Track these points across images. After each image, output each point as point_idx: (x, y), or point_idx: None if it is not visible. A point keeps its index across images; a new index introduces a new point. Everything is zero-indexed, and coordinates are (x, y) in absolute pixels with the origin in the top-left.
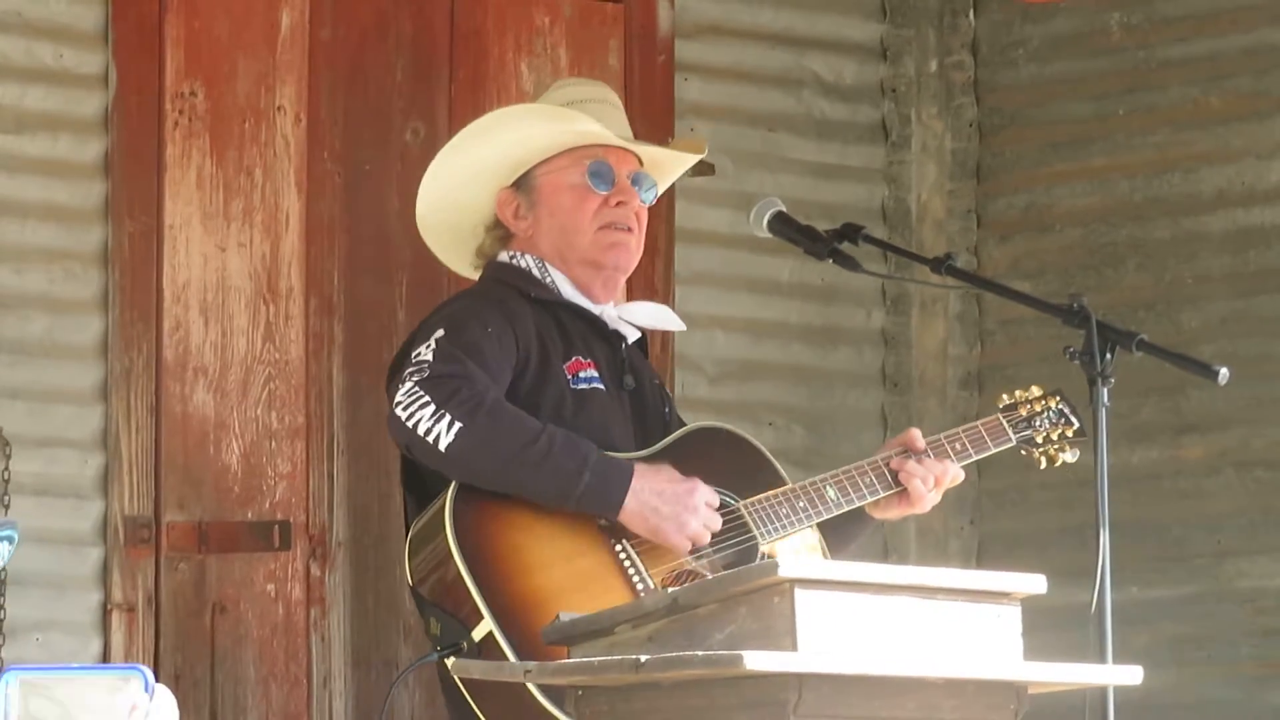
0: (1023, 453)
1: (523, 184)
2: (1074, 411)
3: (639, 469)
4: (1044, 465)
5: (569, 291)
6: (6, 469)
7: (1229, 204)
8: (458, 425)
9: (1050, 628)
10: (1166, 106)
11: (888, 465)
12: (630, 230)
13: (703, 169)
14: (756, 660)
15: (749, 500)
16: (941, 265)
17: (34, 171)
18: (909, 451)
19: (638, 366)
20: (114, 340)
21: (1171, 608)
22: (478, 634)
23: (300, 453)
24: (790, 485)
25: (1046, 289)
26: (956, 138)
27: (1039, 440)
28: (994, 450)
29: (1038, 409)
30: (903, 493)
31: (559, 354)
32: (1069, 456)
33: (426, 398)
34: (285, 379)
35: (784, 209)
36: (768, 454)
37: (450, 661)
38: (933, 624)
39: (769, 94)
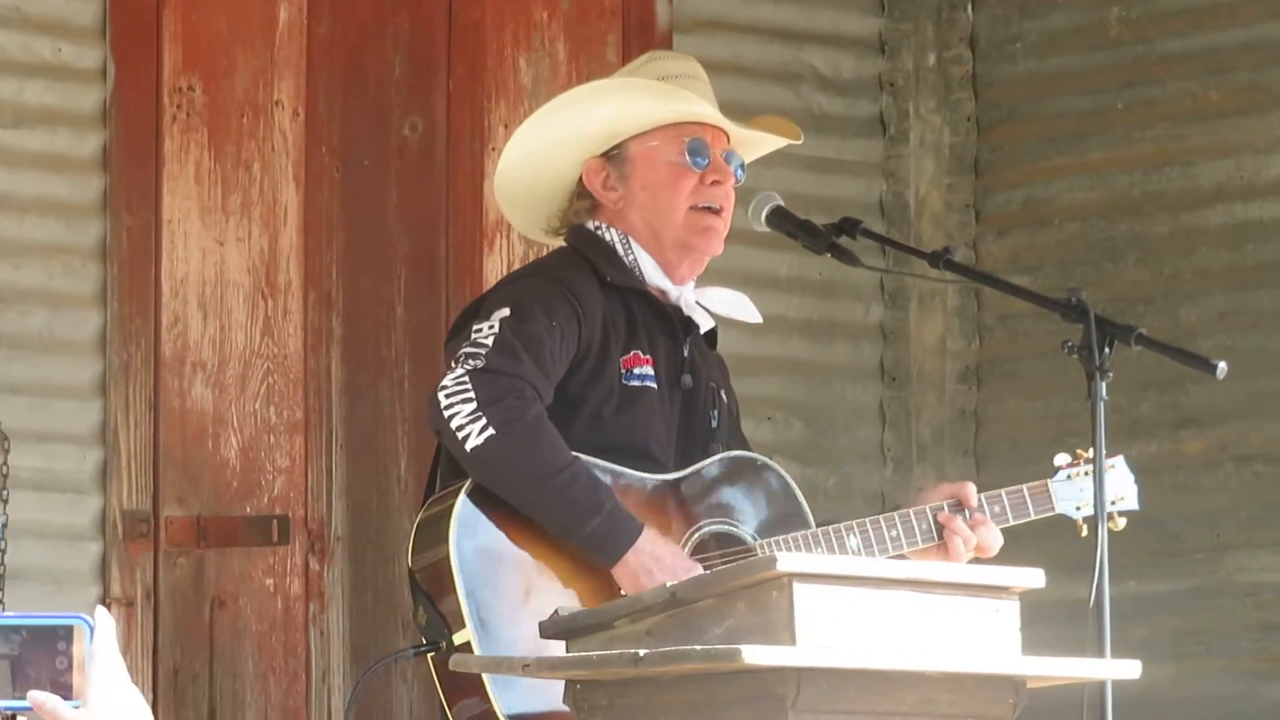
0: (1067, 515)
1: (615, 155)
2: (1133, 481)
3: (647, 532)
4: (1085, 533)
5: (650, 272)
6: (5, 464)
7: (1228, 198)
8: (489, 432)
9: (1049, 622)
10: (1165, 101)
11: (935, 517)
12: (720, 212)
13: None
14: (755, 654)
15: (764, 541)
16: (940, 260)
17: (32, 166)
18: (961, 505)
19: (698, 365)
20: (112, 335)
21: (1170, 602)
22: (457, 639)
23: (299, 447)
24: (812, 529)
25: (1045, 283)
26: (954, 132)
27: (1085, 505)
28: (1034, 516)
29: (1091, 472)
30: (940, 545)
31: (619, 346)
32: (1116, 525)
33: (471, 393)
34: (284, 373)
35: (782, 203)
36: (797, 491)
37: (453, 658)
38: (931, 618)
39: (767, 88)
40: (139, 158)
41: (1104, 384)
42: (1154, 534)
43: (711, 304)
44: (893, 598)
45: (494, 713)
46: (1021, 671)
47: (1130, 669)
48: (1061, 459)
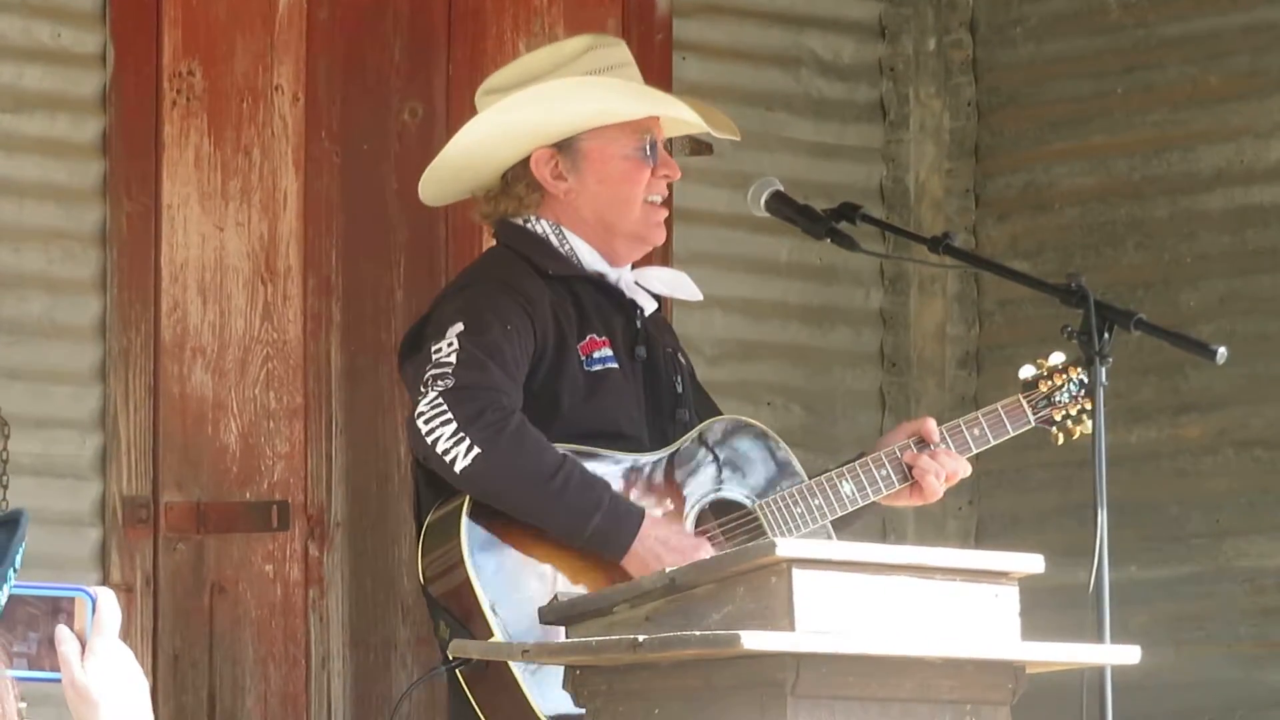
0: (1041, 429)
1: (565, 145)
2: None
3: (649, 518)
4: (1060, 441)
5: (588, 259)
6: (5, 449)
7: (1228, 183)
8: (476, 450)
9: (1048, 607)
10: (1165, 85)
11: (902, 457)
12: (665, 202)
13: (701, 149)
14: (754, 640)
15: (764, 500)
16: (940, 245)
17: (32, 151)
18: (924, 441)
19: (651, 335)
20: (112, 320)
21: (1170, 587)
22: None
23: (298, 433)
24: (806, 481)
25: (1045, 268)
26: (955, 117)
27: (1058, 417)
28: (1012, 434)
29: (1058, 383)
30: (914, 485)
31: (574, 334)
32: (1086, 428)
33: (449, 415)
34: (283, 359)
35: (782, 188)
36: (785, 447)
37: (453, 644)
38: (931, 604)
39: (767, 73)
40: (138, 143)
41: (1104, 369)
42: (1153, 519)
43: (652, 284)
44: (892, 583)
45: (536, 715)
46: (1021, 657)
47: (1130, 654)
48: (1027, 370)
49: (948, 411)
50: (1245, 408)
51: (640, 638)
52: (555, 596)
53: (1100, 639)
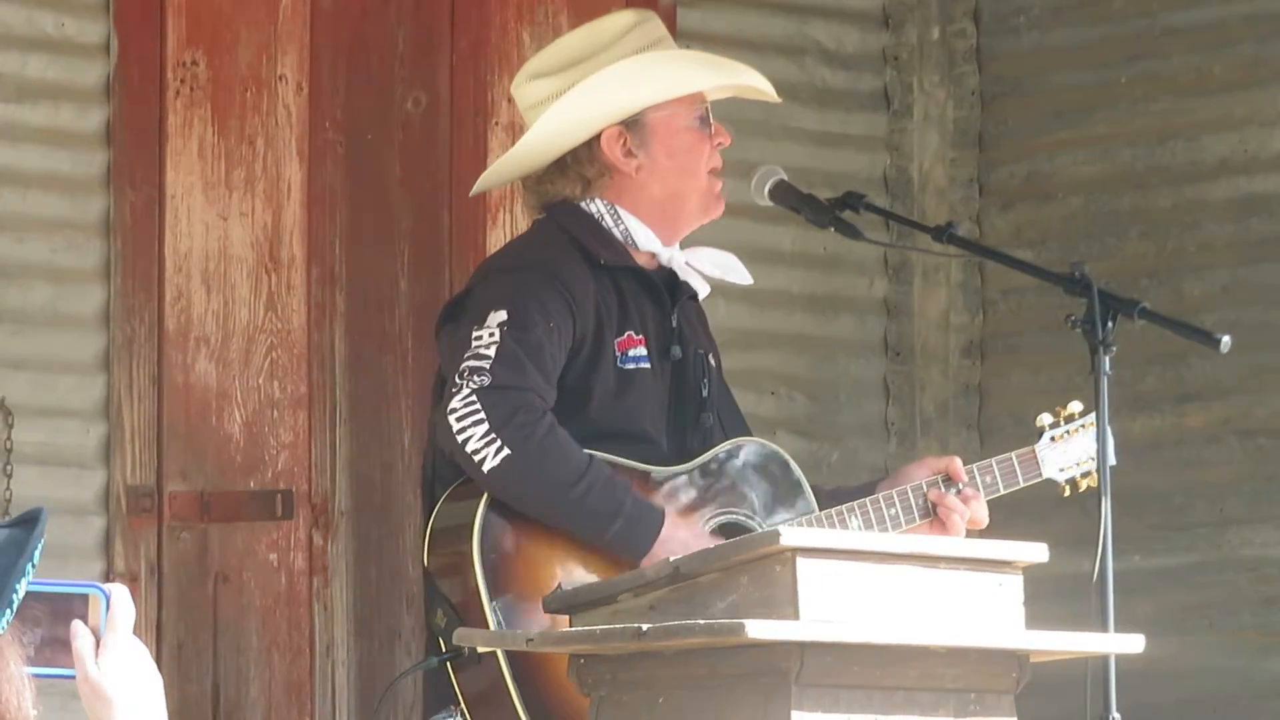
0: (1052, 479)
1: (633, 123)
2: (1110, 434)
3: (670, 520)
4: (1068, 493)
5: (642, 238)
6: (9, 439)
7: (1231, 172)
8: (505, 452)
9: (1052, 596)
10: (1169, 74)
11: (924, 495)
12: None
13: None
14: (758, 629)
15: (769, 528)
16: (943, 234)
17: (36, 141)
18: (950, 480)
19: (686, 335)
20: (116, 310)
21: (1173, 576)
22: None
23: (302, 422)
24: (816, 513)
25: (1048, 257)
26: (959, 106)
27: (1069, 467)
28: (1023, 484)
29: (1074, 432)
30: (935, 522)
31: (613, 329)
32: (1093, 482)
33: (482, 415)
34: (287, 348)
35: (786, 177)
36: (800, 474)
37: (458, 632)
38: (935, 592)
39: (771, 62)
40: (142, 132)
41: (1107, 358)
42: (1157, 508)
43: (704, 266)
44: (896, 572)
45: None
46: (1025, 646)
47: (1133, 643)
48: (1045, 419)
49: (951, 399)
50: (1249, 397)
51: (644, 626)
52: (558, 585)
53: (1104, 628)
